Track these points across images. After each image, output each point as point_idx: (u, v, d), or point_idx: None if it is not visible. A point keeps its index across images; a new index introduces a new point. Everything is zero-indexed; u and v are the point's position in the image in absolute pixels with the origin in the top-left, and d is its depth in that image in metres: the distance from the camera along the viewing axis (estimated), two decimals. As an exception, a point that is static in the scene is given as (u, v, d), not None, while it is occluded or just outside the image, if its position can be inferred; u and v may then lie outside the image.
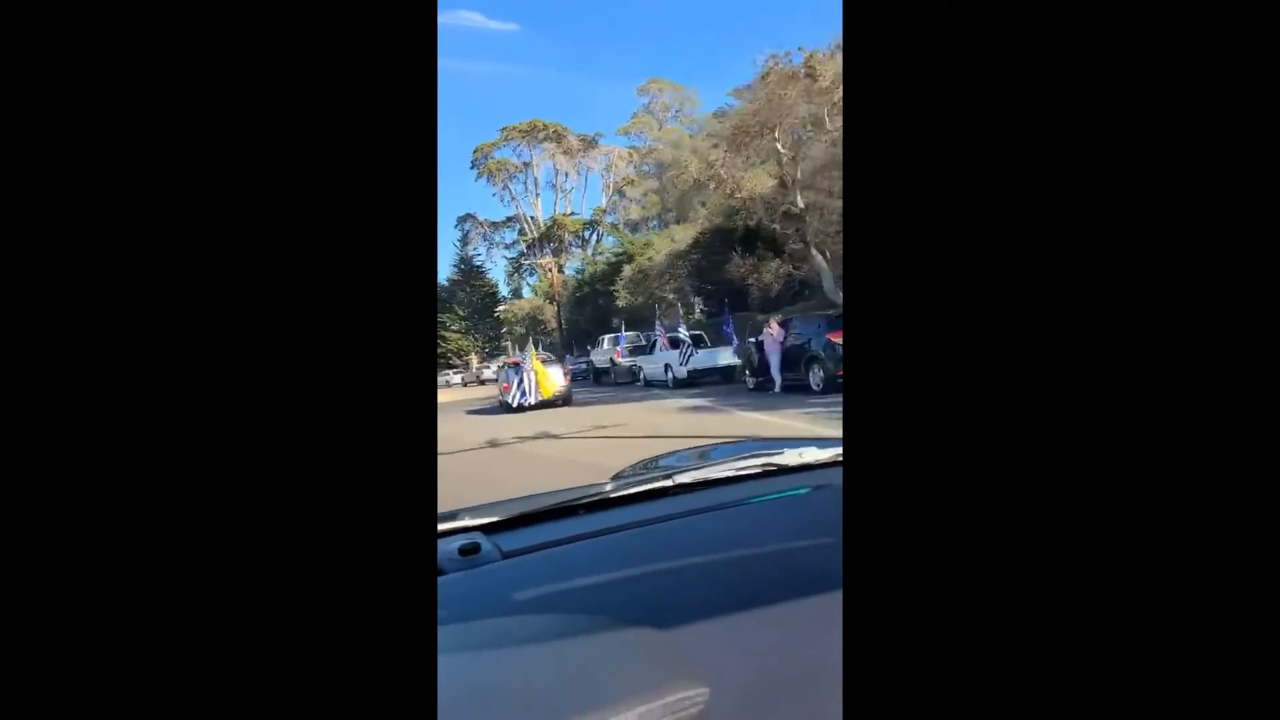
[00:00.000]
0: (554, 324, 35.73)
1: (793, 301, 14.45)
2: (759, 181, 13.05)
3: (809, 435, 1.97)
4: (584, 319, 29.61)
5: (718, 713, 0.41)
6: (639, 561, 0.67)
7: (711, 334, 13.46)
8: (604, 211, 42.74)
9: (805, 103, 11.97)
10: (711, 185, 13.53)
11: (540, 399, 10.75)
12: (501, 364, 15.07)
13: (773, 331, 9.12)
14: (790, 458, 0.95)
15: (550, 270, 38.26)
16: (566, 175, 44.39)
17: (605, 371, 17.39)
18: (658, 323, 13.21)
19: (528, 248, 44.21)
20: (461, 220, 45.58)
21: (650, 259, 21.77)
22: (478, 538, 0.74)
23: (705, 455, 1.24)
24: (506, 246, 46.24)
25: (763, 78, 12.16)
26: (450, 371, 36.28)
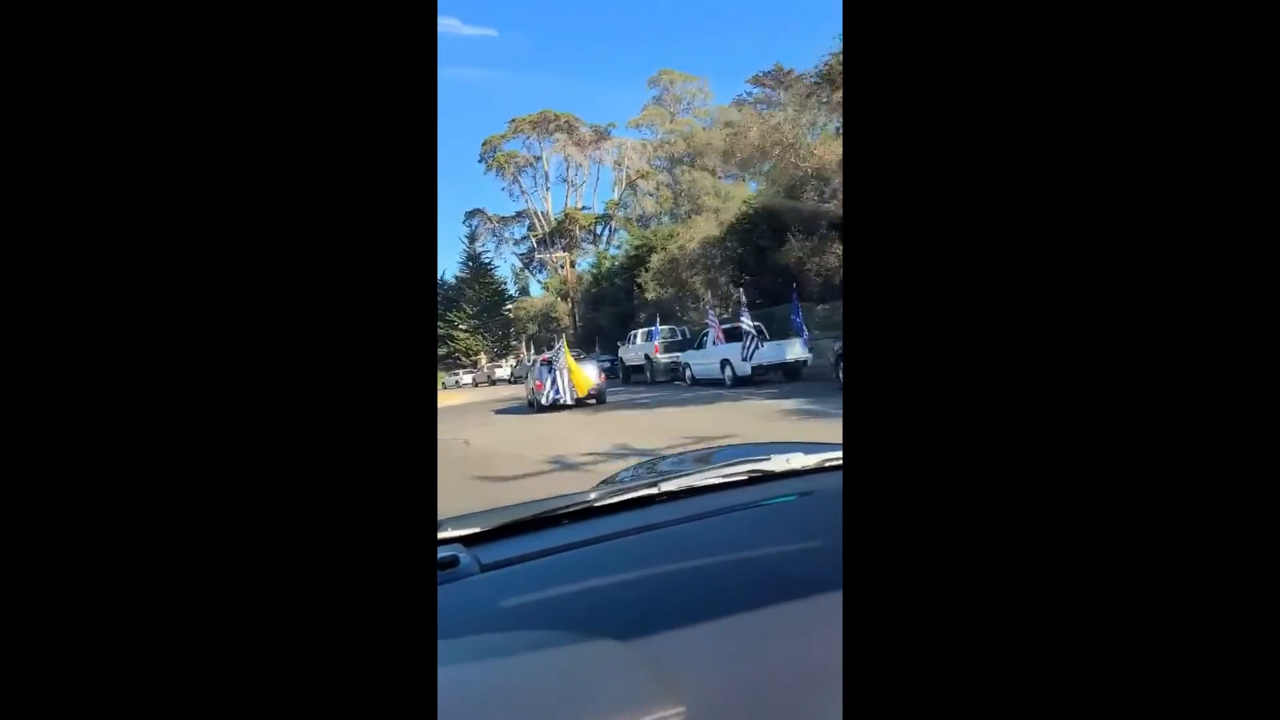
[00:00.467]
0: (568, 321, 34.22)
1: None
2: (830, 149, 11.51)
3: None
4: (602, 315, 28.10)
5: None
6: (621, 573, 0.66)
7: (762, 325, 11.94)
8: (617, 205, 41.38)
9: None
10: (776, 151, 11.96)
11: (575, 397, 10.27)
12: (531, 361, 14.39)
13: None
14: (777, 464, 0.94)
15: (565, 265, 36.78)
16: (579, 167, 42.97)
17: (638, 369, 15.92)
18: (709, 313, 11.70)
19: (538, 243, 42.82)
20: (469, 215, 44.24)
21: (681, 247, 20.23)
22: (457, 550, 0.73)
23: (707, 459, 1.22)
24: (516, 242, 44.96)
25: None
26: (460, 371, 34.79)
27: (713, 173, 39.48)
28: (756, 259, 15.87)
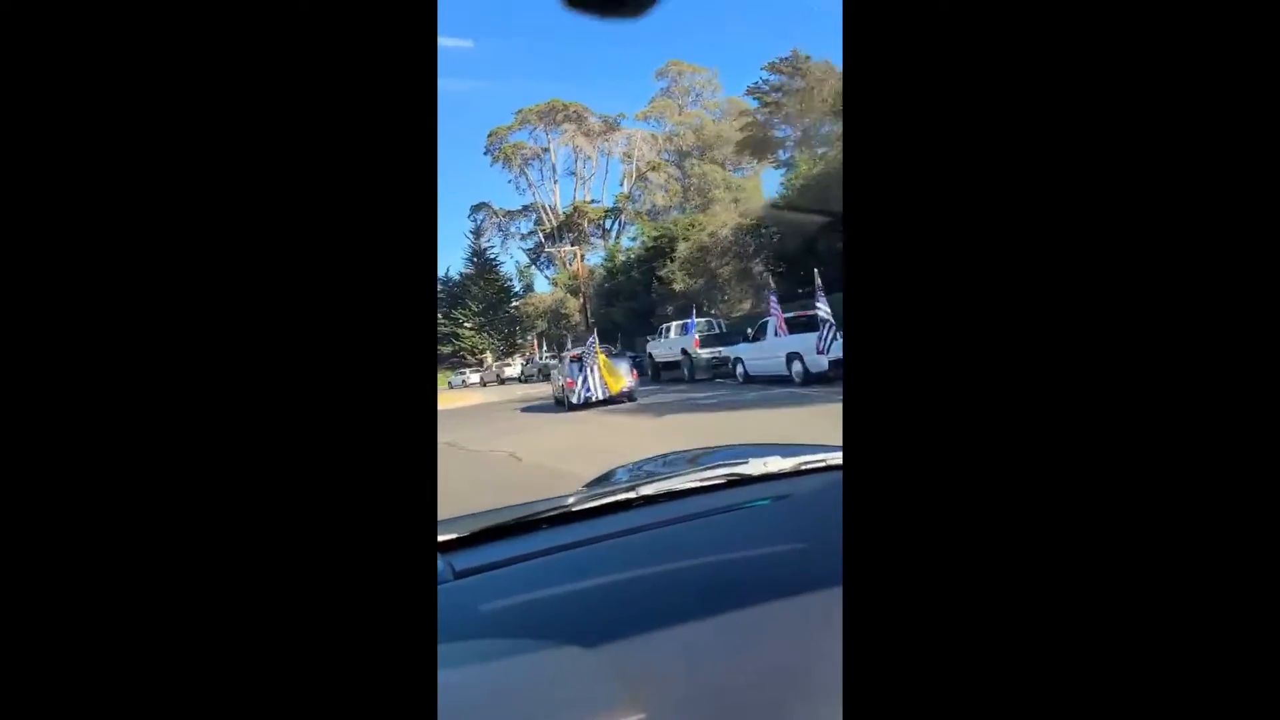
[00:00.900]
0: (578, 318, 32.82)
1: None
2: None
3: None
4: (618, 310, 26.68)
5: None
6: (593, 579, 0.67)
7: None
8: (627, 198, 40.04)
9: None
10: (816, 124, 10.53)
11: (606, 394, 9.95)
12: (559, 358, 13.54)
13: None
14: (755, 467, 0.95)
15: (576, 259, 35.36)
16: (588, 159, 41.60)
17: (670, 366, 14.53)
18: (771, 300, 10.27)
19: (545, 237, 41.43)
20: (475, 209, 42.86)
21: (713, 234, 18.81)
22: None
23: (696, 460, 1.24)
24: (522, 237, 43.58)
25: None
26: (467, 370, 33.38)
27: (722, 165, 38.21)
28: (804, 244, 14.45)
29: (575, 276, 34.76)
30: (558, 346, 28.13)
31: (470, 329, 37.40)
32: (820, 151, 12.96)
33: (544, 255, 41.49)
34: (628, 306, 26.09)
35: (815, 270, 9.11)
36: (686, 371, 13.30)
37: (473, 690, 0.44)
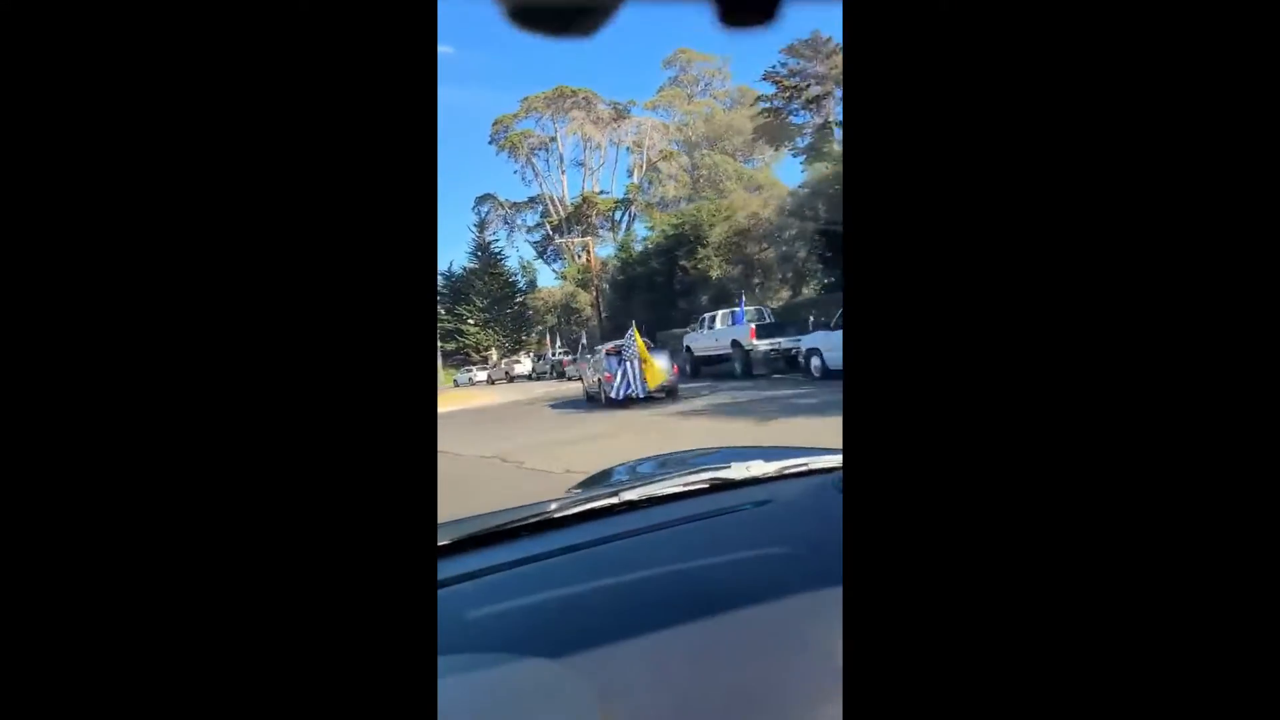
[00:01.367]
0: (590, 312, 31.39)
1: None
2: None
3: None
4: (636, 303, 25.26)
5: None
6: (570, 589, 0.67)
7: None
8: (638, 188, 38.60)
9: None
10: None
11: (647, 390, 9.40)
12: (588, 353, 12.74)
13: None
14: (738, 471, 0.95)
15: (587, 250, 33.90)
16: (597, 148, 40.13)
17: (712, 360, 13.12)
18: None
19: (553, 229, 39.97)
20: (480, 201, 41.36)
21: (755, 214, 17.37)
22: None
23: (666, 464, 1.24)
24: (529, 229, 42.13)
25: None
26: (473, 368, 31.92)
27: (733, 156, 36.82)
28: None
29: (586, 269, 33.33)
30: (573, 343, 26.84)
31: (474, 325, 35.93)
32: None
33: (551, 248, 40.07)
34: (647, 298, 24.71)
35: (762, 274, 7.66)
36: (739, 366, 11.85)
37: (451, 708, 0.41)
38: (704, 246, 19.06)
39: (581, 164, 40.77)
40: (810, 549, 0.71)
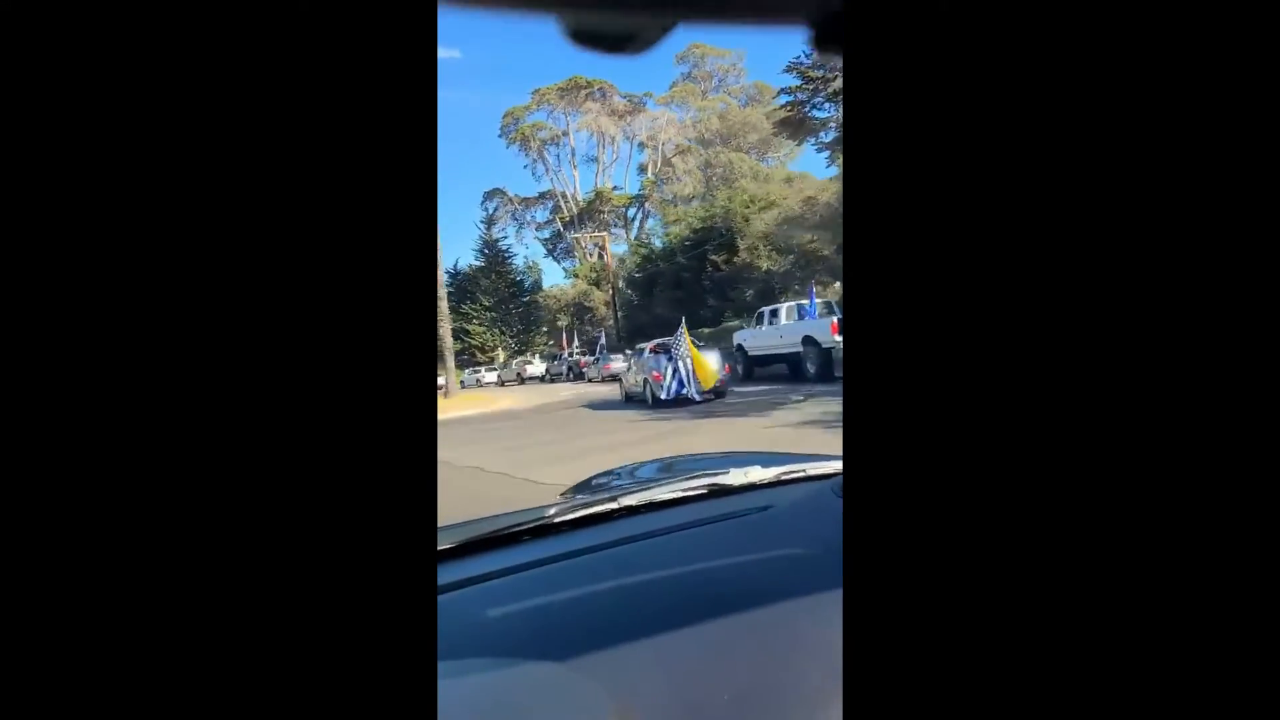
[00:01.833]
0: (605, 311, 29.79)
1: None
2: None
3: None
4: (659, 301, 23.66)
5: None
6: (571, 594, 0.66)
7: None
8: (654, 184, 37.12)
9: None
10: None
11: (701, 391, 8.85)
12: (636, 351, 11.76)
13: None
14: (735, 477, 0.95)
15: (601, 246, 32.31)
16: (611, 142, 38.62)
17: (769, 360, 11.52)
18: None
19: (564, 226, 38.44)
20: (488, 196, 39.87)
21: (810, 199, 15.74)
22: None
23: (670, 468, 1.24)
24: (538, 226, 40.61)
25: None
26: (481, 369, 30.31)
27: (747, 154, 35.41)
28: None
29: (597, 267, 31.75)
30: (590, 342, 25.30)
31: (479, 325, 34.33)
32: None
33: (561, 245, 38.55)
34: (671, 296, 23.15)
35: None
36: (812, 367, 10.22)
37: (450, 713, 0.41)
38: (744, 238, 17.43)
39: (594, 159, 39.33)
40: (812, 553, 0.70)
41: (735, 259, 18.58)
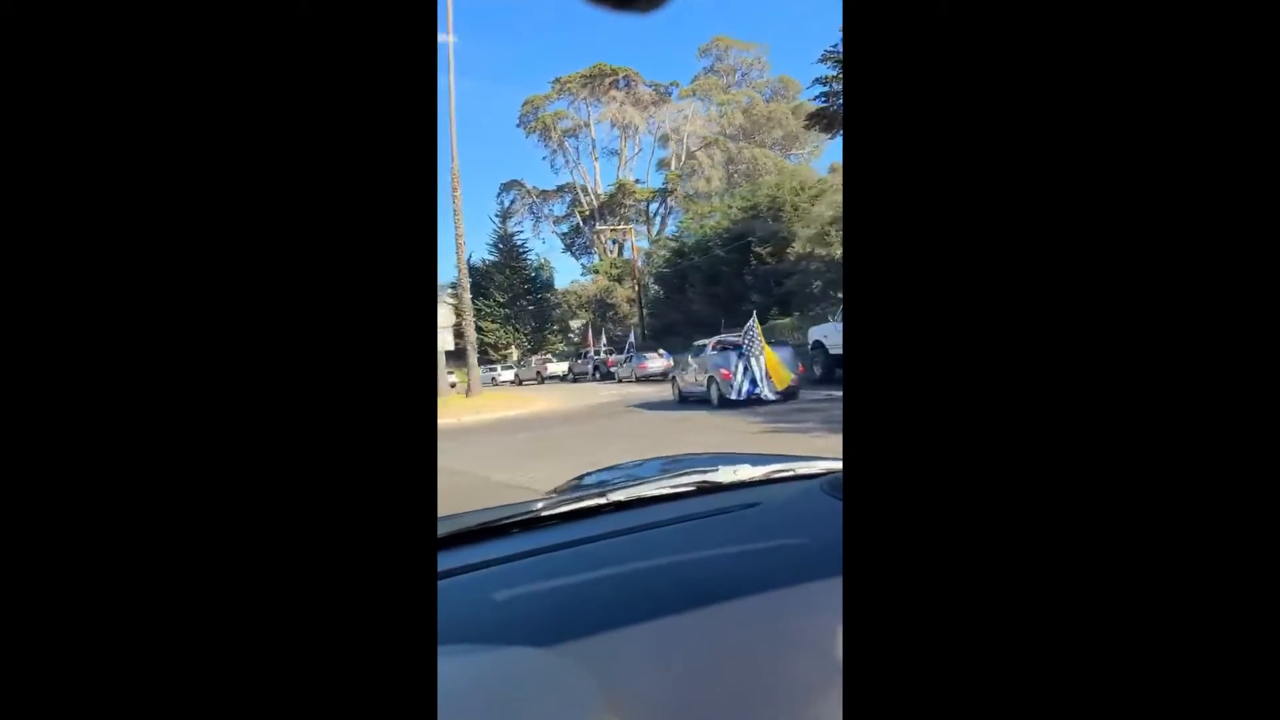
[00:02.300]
0: (628, 308, 28.23)
1: None
2: None
3: None
4: (694, 298, 22.07)
5: None
6: (558, 586, 0.67)
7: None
8: (679, 177, 35.61)
9: None
10: None
11: (775, 391, 8.20)
12: (703, 345, 10.42)
13: None
14: (725, 475, 0.96)
15: (626, 238, 30.74)
16: (634, 134, 37.11)
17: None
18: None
19: (583, 220, 36.94)
20: (505, 188, 38.32)
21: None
22: None
23: (666, 467, 1.28)
24: (556, 220, 39.09)
25: None
26: (497, 367, 28.69)
27: (770, 149, 33.90)
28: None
29: (619, 263, 30.25)
30: (618, 341, 23.81)
31: (493, 322, 32.77)
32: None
33: (580, 240, 37.04)
34: (706, 292, 21.60)
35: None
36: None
37: (446, 697, 0.41)
38: (807, 226, 15.89)
39: (615, 153, 37.83)
40: (801, 545, 0.71)
41: (787, 251, 17.00)
